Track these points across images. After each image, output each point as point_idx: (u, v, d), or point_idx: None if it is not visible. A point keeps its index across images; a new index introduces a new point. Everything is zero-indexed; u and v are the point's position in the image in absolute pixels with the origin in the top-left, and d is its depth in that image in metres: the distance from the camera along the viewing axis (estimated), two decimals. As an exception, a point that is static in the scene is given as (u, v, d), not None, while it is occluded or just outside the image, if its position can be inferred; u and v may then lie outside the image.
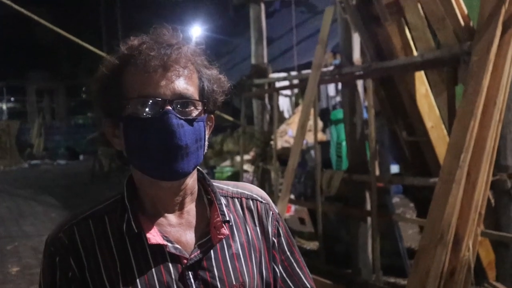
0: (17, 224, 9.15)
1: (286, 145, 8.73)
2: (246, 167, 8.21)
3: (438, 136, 4.62)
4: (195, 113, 1.09)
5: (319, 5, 10.27)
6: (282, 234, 1.28)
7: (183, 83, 1.08)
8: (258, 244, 1.21)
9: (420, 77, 4.65)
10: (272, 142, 6.71)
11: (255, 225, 1.23)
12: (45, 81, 30.33)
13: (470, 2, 4.21)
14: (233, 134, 11.38)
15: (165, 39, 1.10)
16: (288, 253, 1.28)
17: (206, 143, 1.13)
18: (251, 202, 1.25)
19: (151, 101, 1.06)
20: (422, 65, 4.29)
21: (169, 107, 1.05)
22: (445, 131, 4.56)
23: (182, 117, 1.06)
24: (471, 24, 3.86)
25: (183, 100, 1.08)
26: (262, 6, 7.21)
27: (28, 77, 29.96)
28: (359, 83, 5.19)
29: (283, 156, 7.22)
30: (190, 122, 1.08)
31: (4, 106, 32.81)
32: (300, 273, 1.28)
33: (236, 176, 8.16)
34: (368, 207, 4.93)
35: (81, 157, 22.91)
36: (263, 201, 1.27)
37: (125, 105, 1.08)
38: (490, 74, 3.39)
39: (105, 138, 1.15)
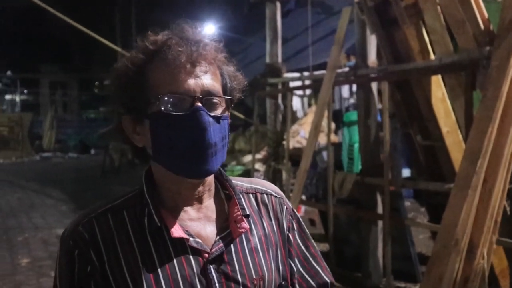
0: (27, 216, 9.21)
1: (298, 145, 8.70)
2: (258, 166, 8.20)
3: (454, 141, 4.57)
4: (220, 110, 1.09)
5: (335, 6, 10.22)
6: (296, 229, 1.28)
7: (210, 80, 1.07)
8: (274, 238, 1.21)
9: (437, 81, 4.60)
10: (284, 142, 6.69)
11: (271, 220, 1.23)
12: (58, 74, 30.57)
13: (488, 8, 4.16)
14: (245, 133, 11.37)
15: (190, 35, 1.08)
16: (303, 248, 1.27)
17: (228, 140, 1.13)
18: (265, 197, 1.24)
19: (180, 97, 1.04)
20: (439, 69, 4.25)
21: (199, 104, 1.04)
22: (461, 137, 4.51)
23: (212, 113, 1.06)
24: (491, 28, 3.81)
25: (211, 97, 1.07)
26: (278, 5, 7.18)
27: (42, 70, 30.21)
28: (374, 86, 5.15)
29: (295, 156, 7.18)
30: (218, 119, 1.07)
31: (18, 98, 33.08)
32: (317, 267, 1.28)
33: (247, 175, 8.14)
34: (380, 210, 4.90)
35: (92, 151, 23.03)
36: (278, 196, 1.26)
37: (153, 101, 1.05)
38: (510, 79, 3.34)
39: (121, 134, 1.13)
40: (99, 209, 1.13)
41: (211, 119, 1.04)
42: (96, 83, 33.85)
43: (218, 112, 1.08)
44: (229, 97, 1.11)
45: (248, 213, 1.15)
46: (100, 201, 1.16)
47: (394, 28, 4.71)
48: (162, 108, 1.04)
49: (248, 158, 9.54)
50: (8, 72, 31.15)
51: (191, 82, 1.04)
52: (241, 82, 1.16)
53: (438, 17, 4.14)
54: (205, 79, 1.06)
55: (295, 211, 1.30)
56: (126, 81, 1.09)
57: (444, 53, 4.16)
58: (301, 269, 1.25)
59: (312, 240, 1.31)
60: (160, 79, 1.06)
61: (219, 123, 1.07)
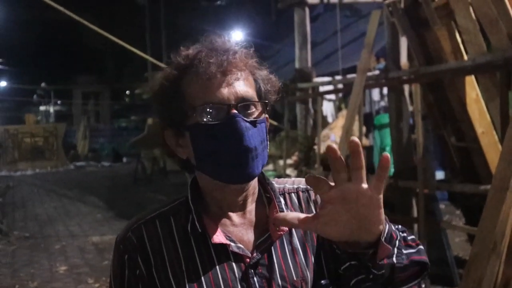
0: (64, 224, 9.40)
1: (328, 149, 8.65)
2: (289, 171, 8.19)
3: (489, 142, 4.49)
4: (256, 114, 1.11)
5: (363, 9, 10.17)
6: None
7: (243, 86, 1.10)
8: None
9: (471, 81, 4.53)
10: (315, 147, 6.67)
11: (312, 212, 1.22)
12: (90, 84, 31.18)
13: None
14: (275, 138, 11.39)
15: (219, 46, 1.12)
16: None
17: (268, 142, 1.15)
18: (306, 194, 1.25)
19: (216, 107, 1.07)
20: (473, 70, 4.19)
21: (235, 111, 1.07)
22: (496, 137, 4.43)
23: (248, 120, 1.08)
24: (526, 27, 3.74)
25: (246, 103, 1.09)
26: (307, 10, 7.19)
27: (75, 80, 30.87)
28: (406, 88, 5.11)
29: (326, 161, 7.16)
30: (254, 124, 1.09)
31: (52, 109, 33.84)
32: None
33: (278, 180, 8.13)
34: (415, 213, 4.84)
35: (124, 159, 23.37)
36: None
37: (190, 113, 1.09)
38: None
39: (165, 147, 1.17)
40: (149, 215, 1.18)
41: (247, 124, 1.07)
42: (127, 92, 34.40)
43: (254, 116, 1.10)
44: (263, 101, 1.13)
45: None
46: (150, 207, 1.22)
47: (425, 30, 4.67)
48: (199, 119, 1.08)
49: (279, 163, 9.56)
50: (43, 84, 31.91)
51: (224, 90, 1.08)
52: (275, 85, 1.18)
53: (470, 16, 4.08)
54: (238, 86, 1.09)
55: None
56: (163, 97, 1.13)
57: (477, 53, 4.10)
58: None
59: None
60: (195, 91, 1.09)
61: (256, 127, 1.09)
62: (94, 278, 6.07)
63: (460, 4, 4.15)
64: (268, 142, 1.15)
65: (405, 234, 1.14)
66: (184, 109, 1.10)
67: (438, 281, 4.88)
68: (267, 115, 1.16)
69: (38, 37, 28.06)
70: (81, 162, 22.91)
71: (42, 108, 34.71)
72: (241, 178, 1.10)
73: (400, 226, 1.17)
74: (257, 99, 1.12)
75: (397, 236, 1.03)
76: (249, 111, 1.10)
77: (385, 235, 0.97)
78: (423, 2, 4.46)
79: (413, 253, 1.11)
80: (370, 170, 6.02)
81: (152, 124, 15.35)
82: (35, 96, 33.74)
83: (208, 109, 1.08)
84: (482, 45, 4.10)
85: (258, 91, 1.14)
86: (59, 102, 35.05)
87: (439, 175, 8.25)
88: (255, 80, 1.14)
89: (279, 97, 1.21)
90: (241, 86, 1.09)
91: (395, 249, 1.01)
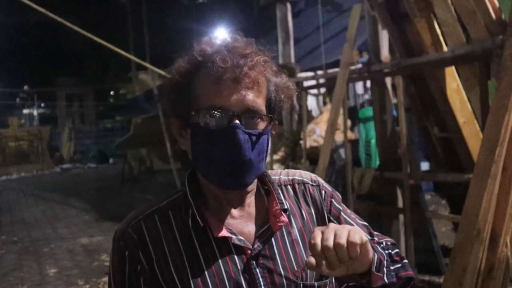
0: (52, 227, 9.36)
1: (314, 144, 8.71)
2: (276, 167, 8.22)
3: (471, 132, 4.56)
4: (261, 125, 1.11)
5: (344, 3, 10.22)
6: (338, 209, 1.29)
7: (252, 97, 1.09)
8: (313, 224, 1.24)
9: (451, 72, 4.60)
10: (301, 142, 6.72)
11: (309, 207, 1.26)
12: (74, 86, 30.94)
13: (501, -5, 4.16)
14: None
15: (238, 49, 1.10)
16: (353, 223, 1.28)
17: (269, 151, 1.16)
18: (302, 186, 1.27)
19: (220, 113, 1.08)
20: (453, 61, 4.25)
21: (237, 121, 1.07)
22: (477, 127, 4.50)
23: (249, 131, 1.08)
24: (503, 17, 3.81)
25: (250, 114, 1.09)
26: (289, 6, 7.22)
27: (58, 83, 30.61)
28: (388, 80, 5.17)
29: (312, 155, 7.20)
30: (255, 136, 1.09)
31: (35, 112, 33.54)
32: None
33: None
34: (400, 204, 4.91)
35: (110, 160, 23.25)
36: (314, 184, 1.29)
37: (194, 112, 1.10)
38: (524, 67, 3.34)
39: (169, 132, 1.19)
40: (146, 211, 1.19)
41: (246, 136, 1.07)
42: (112, 92, 34.20)
43: (258, 128, 1.10)
44: (269, 115, 1.12)
45: (286, 207, 1.18)
46: (148, 203, 1.23)
47: (405, 22, 4.72)
48: (201, 122, 1.09)
49: (267, 159, 9.56)
50: (25, 87, 31.61)
51: (232, 98, 1.07)
52: (290, 92, 1.17)
53: (449, 8, 4.14)
54: (247, 95, 1.08)
55: (337, 193, 1.32)
56: (173, 88, 1.14)
57: (456, 45, 4.17)
58: None
59: (359, 218, 1.32)
60: (202, 93, 1.09)
61: (257, 139, 1.09)
62: (84, 280, 6.07)
63: (438, -3, 4.21)
64: (269, 151, 1.16)
65: (390, 251, 1.21)
66: (189, 106, 1.11)
67: (425, 270, 4.96)
68: (276, 122, 1.17)
69: (19, 39, 27.76)
70: (67, 164, 22.75)
71: (25, 111, 34.39)
72: (231, 186, 1.12)
73: (384, 244, 1.25)
74: (264, 111, 1.11)
75: (385, 257, 1.13)
76: (253, 123, 1.10)
77: (374, 264, 1.07)
78: (403, -5, 4.51)
79: (399, 269, 1.19)
80: (356, 163, 6.04)
81: (137, 124, 15.29)
82: (18, 99, 33.40)
83: (212, 114, 1.08)
84: (461, 37, 4.16)
85: (269, 101, 1.13)
86: (42, 104, 34.76)
87: (424, 166, 8.33)
88: (268, 90, 1.13)
89: (291, 103, 1.22)
90: (250, 96, 1.08)
91: (384, 269, 1.10)
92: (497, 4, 3.83)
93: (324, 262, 0.97)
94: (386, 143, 5.11)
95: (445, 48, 4.48)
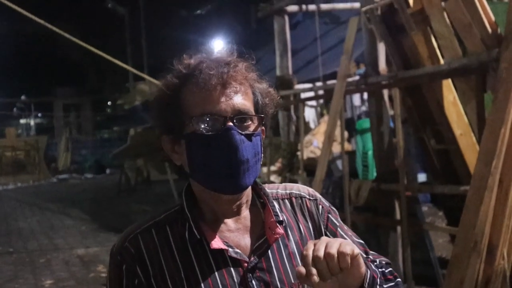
0: (48, 238, 9.32)
1: (312, 155, 8.72)
2: (273, 178, 8.23)
3: (468, 144, 4.59)
4: (252, 127, 1.14)
5: (342, 15, 10.30)
6: (335, 225, 1.29)
7: (241, 99, 1.13)
8: (310, 238, 1.25)
9: (448, 85, 4.63)
10: (298, 153, 6.73)
11: (307, 222, 1.27)
12: (71, 96, 30.92)
13: (496, 9, 4.20)
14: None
15: (221, 57, 1.15)
16: (347, 238, 1.28)
17: (262, 155, 1.18)
18: (300, 200, 1.28)
19: (212, 118, 1.11)
20: (449, 73, 4.28)
21: (231, 124, 1.10)
22: (474, 139, 4.53)
23: (243, 132, 1.11)
24: (499, 30, 3.84)
25: (242, 116, 1.12)
26: (286, 18, 7.27)
27: (55, 93, 30.57)
28: (385, 92, 5.20)
29: (309, 166, 7.22)
30: (249, 137, 1.12)
31: (32, 122, 33.49)
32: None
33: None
34: (398, 216, 4.91)
35: (107, 170, 23.19)
36: (311, 198, 1.30)
37: (187, 122, 1.12)
38: (520, 80, 3.37)
39: (161, 152, 1.21)
40: (144, 225, 1.20)
41: (242, 137, 1.10)
42: (109, 103, 34.21)
43: (250, 129, 1.13)
44: (260, 115, 1.16)
45: (281, 219, 1.19)
46: (145, 217, 1.24)
47: (402, 35, 4.76)
48: (196, 129, 1.11)
49: (263, 170, 9.59)
50: (22, 97, 31.59)
51: (222, 103, 1.11)
52: (273, 97, 1.22)
53: (445, 22, 4.18)
54: (236, 99, 1.12)
55: (333, 209, 1.33)
56: (163, 104, 1.16)
57: (453, 58, 4.20)
58: None
59: (354, 235, 1.33)
60: (193, 101, 1.12)
61: (250, 140, 1.12)
62: (80, 291, 6.05)
63: (435, 10, 4.25)
64: (262, 154, 1.18)
65: (383, 269, 1.22)
66: (182, 117, 1.13)
67: (422, 282, 4.95)
68: (263, 128, 1.20)
69: (17, 49, 27.79)
70: (64, 174, 22.67)
71: (22, 121, 34.32)
72: (232, 189, 1.13)
73: (378, 262, 1.26)
74: (254, 113, 1.15)
75: (378, 275, 1.13)
76: (245, 124, 1.13)
77: (367, 280, 1.08)
78: (399, 9, 4.55)
79: (393, 287, 1.20)
80: (353, 175, 6.06)
81: (134, 135, 15.28)
82: (15, 109, 33.36)
83: (205, 120, 1.11)
84: (457, 50, 4.20)
85: (256, 104, 1.17)
86: (39, 114, 34.70)
87: (421, 177, 8.36)
88: (254, 93, 1.17)
89: (276, 110, 1.25)
90: (239, 99, 1.12)
91: (378, 287, 1.12)
92: (492, 17, 3.87)
93: (314, 272, 0.98)
94: (383, 154, 5.13)
95: (441, 61, 4.51)
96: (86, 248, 8.16)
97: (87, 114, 31.19)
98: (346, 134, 8.70)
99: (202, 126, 1.11)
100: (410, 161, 7.94)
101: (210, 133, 1.11)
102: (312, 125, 9.28)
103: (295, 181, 6.78)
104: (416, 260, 4.77)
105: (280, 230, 1.18)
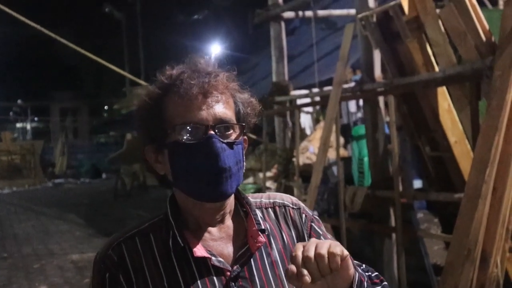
0: (43, 243, 9.28)
1: (307, 161, 8.72)
2: (269, 184, 8.23)
3: (462, 151, 4.60)
4: (234, 136, 1.16)
5: (338, 22, 10.32)
6: (318, 233, 1.30)
7: (222, 108, 1.14)
8: (294, 246, 1.24)
9: (443, 92, 4.64)
10: (294, 159, 6.73)
11: (290, 230, 1.27)
12: (68, 100, 30.91)
13: (491, 16, 4.22)
14: (255, 151, 11.42)
15: (202, 68, 1.16)
16: None
17: (244, 163, 1.19)
18: (283, 209, 1.30)
19: (194, 126, 1.12)
20: (444, 81, 4.30)
21: (212, 132, 1.12)
22: (468, 146, 4.54)
23: (224, 141, 1.12)
24: (493, 39, 3.86)
25: (224, 125, 1.14)
26: (282, 24, 7.28)
27: (52, 97, 30.57)
28: (381, 99, 5.21)
29: (305, 172, 7.22)
30: (231, 145, 1.14)
31: (28, 126, 33.44)
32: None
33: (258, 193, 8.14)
34: (393, 223, 4.91)
35: (103, 175, 23.15)
36: (295, 207, 1.31)
37: (169, 132, 1.14)
38: (514, 88, 3.38)
39: (145, 163, 1.21)
40: (128, 233, 1.21)
41: (224, 145, 1.12)
42: (106, 107, 34.20)
43: (231, 138, 1.15)
44: (241, 124, 1.18)
45: (263, 227, 1.20)
46: (129, 225, 1.24)
47: (397, 42, 4.78)
48: (178, 138, 1.12)
49: (259, 176, 9.58)
50: (19, 101, 31.56)
51: (204, 112, 1.12)
52: (255, 108, 1.23)
53: (440, 30, 4.20)
54: (217, 108, 1.14)
55: (317, 218, 1.34)
56: (146, 114, 1.18)
57: (447, 65, 4.21)
58: None
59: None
60: (175, 111, 1.14)
61: (232, 148, 1.14)
62: (74, 296, 6.02)
63: (429, 18, 4.27)
64: (245, 163, 1.19)
65: (370, 273, 1.24)
66: (164, 127, 1.14)
67: (416, 289, 4.95)
68: (245, 137, 1.21)
69: (13, 53, 27.79)
70: (60, 179, 22.61)
71: (18, 125, 34.28)
72: (215, 197, 1.14)
73: (364, 266, 1.27)
74: (235, 121, 1.16)
75: (365, 278, 1.15)
76: (227, 133, 1.14)
77: (356, 282, 1.09)
78: (394, 16, 4.57)
79: None
80: (349, 181, 6.05)
81: (131, 139, 15.27)
82: (11, 113, 33.32)
83: (187, 129, 1.12)
84: (452, 57, 4.21)
85: (238, 113, 1.19)
86: (36, 118, 34.66)
87: (417, 184, 8.36)
88: (235, 103, 1.19)
89: (259, 120, 1.26)
90: (220, 108, 1.14)
91: None
92: (487, 26, 3.89)
93: (305, 272, 0.98)
94: (378, 161, 5.14)
95: (436, 69, 4.53)
96: (81, 253, 8.13)
97: (84, 119, 31.20)
98: (342, 140, 8.71)
99: (184, 135, 1.12)
100: (406, 167, 7.95)
101: (192, 141, 1.12)
102: (308, 132, 9.29)
103: (290, 187, 6.78)
104: (411, 267, 4.77)
105: (262, 238, 1.19)
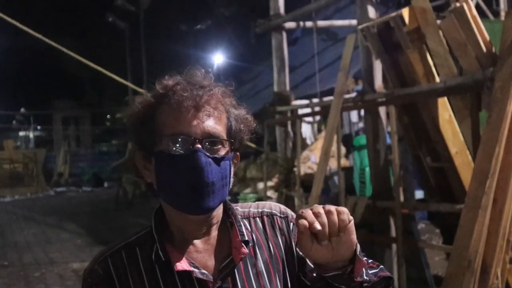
0: (44, 251, 9.27)
1: (309, 171, 8.74)
2: (270, 193, 8.23)
3: (463, 162, 4.59)
4: (222, 151, 1.15)
5: (340, 32, 10.37)
6: None
7: (213, 123, 1.14)
8: (280, 255, 1.25)
9: (443, 103, 4.65)
10: (295, 169, 6.74)
11: (277, 238, 1.27)
12: (70, 109, 30.97)
13: (492, 28, 4.24)
14: (256, 161, 11.42)
15: (197, 81, 1.17)
16: None
17: (232, 180, 1.19)
18: (271, 218, 1.29)
19: (182, 138, 1.12)
20: (445, 92, 4.31)
21: (199, 145, 1.12)
22: (469, 157, 4.54)
23: (210, 155, 1.12)
24: (494, 50, 3.88)
25: (212, 139, 1.14)
26: (284, 34, 7.31)
27: (54, 105, 30.63)
28: (382, 110, 5.22)
29: (306, 182, 7.22)
30: (218, 160, 1.13)
31: (31, 135, 33.49)
32: None
33: (259, 203, 8.14)
34: (393, 233, 4.90)
35: (105, 184, 23.16)
36: (282, 216, 1.30)
37: (158, 141, 1.14)
38: (514, 100, 3.39)
39: (135, 169, 1.22)
40: (115, 247, 1.22)
41: (209, 160, 1.12)
42: (108, 116, 34.27)
43: (220, 153, 1.14)
44: (230, 140, 1.17)
45: (247, 238, 1.20)
46: (118, 239, 1.25)
47: (398, 53, 4.79)
48: (165, 148, 1.13)
49: (260, 185, 9.58)
50: (22, 109, 31.65)
51: (193, 124, 1.12)
52: (249, 124, 1.23)
53: (441, 41, 4.21)
54: (208, 122, 1.13)
55: None
56: (137, 121, 1.18)
57: (448, 76, 4.23)
58: None
59: None
60: (165, 121, 1.14)
61: (218, 164, 1.13)
62: (75, 305, 6.00)
63: (430, 29, 4.29)
64: (232, 179, 1.19)
65: (366, 258, 1.22)
66: (153, 136, 1.15)
67: (417, 300, 4.92)
68: (237, 153, 1.21)
69: (16, 62, 27.90)
70: (62, 187, 22.63)
71: (21, 133, 34.33)
72: (196, 210, 1.13)
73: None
74: (225, 137, 1.16)
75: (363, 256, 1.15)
76: (214, 147, 1.14)
77: (358, 251, 1.11)
78: (395, 27, 4.58)
79: (378, 271, 1.22)
80: (351, 191, 6.05)
81: (133, 148, 15.27)
82: (14, 122, 33.40)
83: (174, 140, 1.12)
84: (453, 68, 4.23)
85: (229, 129, 1.18)
86: (38, 127, 34.73)
87: (419, 194, 8.35)
88: (228, 119, 1.18)
89: (252, 136, 1.26)
90: (210, 122, 1.14)
91: (363, 269, 1.14)
92: (487, 37, 3.91)
93: (317, 222, 1.02)
94: (379, 172, 5.13)
95: (437, 79, 4.54)
96: (82, 262, 8.10)
97: (86, 127, 31.23)
98: (343, 150, 8.72)
99: (171, 146, 1.13)
100: (408, 178, 7.95)
101: (177, 153, 1.12)
102: (308, 141, 9.31)
103: (291, 197, 6.77)
104: (412, 278, 4.75)
105: (245, 249, 1.18)
